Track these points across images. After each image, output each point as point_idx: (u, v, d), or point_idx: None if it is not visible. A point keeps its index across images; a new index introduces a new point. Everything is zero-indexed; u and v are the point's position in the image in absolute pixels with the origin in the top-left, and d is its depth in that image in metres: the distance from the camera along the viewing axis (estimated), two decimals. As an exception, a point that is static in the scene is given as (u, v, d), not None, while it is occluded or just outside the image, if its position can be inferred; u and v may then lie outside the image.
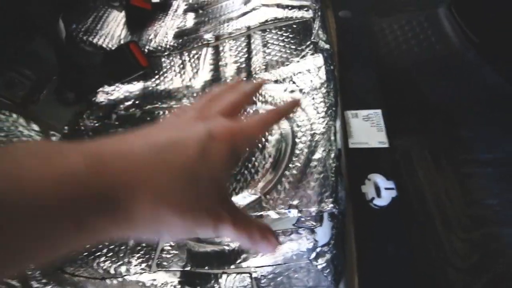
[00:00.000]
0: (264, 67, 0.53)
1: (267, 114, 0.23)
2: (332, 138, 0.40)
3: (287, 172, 0.38)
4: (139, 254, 0.41)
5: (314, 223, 0.34)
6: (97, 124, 0.57)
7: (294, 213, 0.34)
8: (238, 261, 0.35)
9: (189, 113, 0.22)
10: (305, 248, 0.33)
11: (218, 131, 0.20)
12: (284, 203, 0.36)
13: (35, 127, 0.50)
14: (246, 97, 0.25)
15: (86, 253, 0.42)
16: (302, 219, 0.35)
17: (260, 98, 0.48)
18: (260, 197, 0.38)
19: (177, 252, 0.40)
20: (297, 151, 0.39)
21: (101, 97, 0.60)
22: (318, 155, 0.38)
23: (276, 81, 0.50)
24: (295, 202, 0.35)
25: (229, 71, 0.56)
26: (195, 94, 0.58)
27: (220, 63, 0.57)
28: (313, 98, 0.44)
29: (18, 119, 0.49)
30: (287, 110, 0.27)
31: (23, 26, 0.48)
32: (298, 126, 0.42)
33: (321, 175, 0.36)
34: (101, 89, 0.60)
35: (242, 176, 0.41)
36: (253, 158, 0.41)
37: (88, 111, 0.58)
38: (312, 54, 0.50)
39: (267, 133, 0.43)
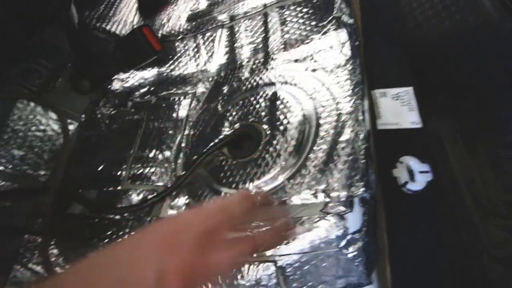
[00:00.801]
0: (282, 46, 0.50)
1: (244, 243, 0.23)
2: (360, 118, 0.37)
3: (311, 155, 0.36)
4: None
5: (343, 209, 0.31)
6: (113, 112, 0.57)
7: (321, 198, 0.32)
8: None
9: (157, 236, 0.21)
10: (334, 236, 0.31)
11: (172, 271, 0.19)
12: (310, 187, 0.34)
13: (53, 115, 0.50)
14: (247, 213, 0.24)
15: (107, 240, 0.42)
16: (330, 204, 0.32)
17: (280, 78, 0.46)
18: (283, 182, 0.35)
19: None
20: (322, 133, 0.37)
21: (116, 85, 0.59)
22: (345, 136, 0.35)
23: (296, 61, 0.47)
24: (321, 187, 0.33)
25: (245, 52, 0.53)
26: (210, 79, 0.56)
27: (235, 44, 0.54)
28: (337, 76, 0.41)
29: (35, 107, 0.49)
30: (270, 243, 0.25)
31: (34, 13, 0.48)
32: (322, 106, 0.39)
33: (349, 157, 0.33)
34: (116, 76, 0.59)
35: (263, 161, 0.39)
36: (274, 142, 0.39)
37: (104, 99, 0.57)
38: (335, 29, 0.46)
39: (288, 115, 0.41)
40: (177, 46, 0.58)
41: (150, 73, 0.59)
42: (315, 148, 0.36)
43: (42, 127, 0.48)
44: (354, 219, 0.31)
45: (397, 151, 0.41)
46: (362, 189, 0.31)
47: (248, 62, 0.53)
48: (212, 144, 0.44)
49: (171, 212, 0.42)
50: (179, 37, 0.58)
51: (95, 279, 0.19)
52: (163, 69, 0.59)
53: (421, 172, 0.39)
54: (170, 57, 0.58)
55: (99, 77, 0.53)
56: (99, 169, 0.50)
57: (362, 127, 0.36)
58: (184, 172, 0.45)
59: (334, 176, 0.33)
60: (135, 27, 0.60)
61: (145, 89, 0.59)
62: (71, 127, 0.51)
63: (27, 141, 0.46)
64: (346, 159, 0.34)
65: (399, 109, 0.44)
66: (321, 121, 0.38)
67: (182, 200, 0.43)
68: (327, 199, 0.32)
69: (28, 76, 0.48)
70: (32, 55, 0.48)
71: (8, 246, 0.41)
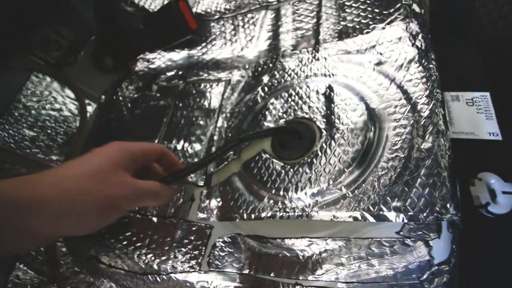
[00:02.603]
0: (336, 35, 0.44)
1: None
2: (441, 122, 0.31)
3: (382, 163, 0.30)
4: (186, 249, 0.35)
5: (429, 234, 0.26)
6: (136, 95, 0.51)
7: (393, 216, 0.26)
8: (318, 271, 0.28)
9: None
10: (415, 265, 0.25)
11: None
12: (382, 203, 0.28)
13: (70, 93, 0.44)
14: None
15: (125, 242, 0.37)
16: (410, 226, 0.26)
17: (334, 71, 0.40)
18: (346, 194, 0.30)
19: (232, 250, 0.34)
20: (395, 138, 0.31)
21: (141, 65, 0.53)
22: (426, 144, 0.29)
23: (355, 52, 0.40)
24: (398, 204, 0.27)
25: (291, 39, 0.47)
26: (247, 66, 0.50)
27: (280, 29, 0.48)
28: (409, 72, 0.35)
29: (52, 83, 0.43)
30: None
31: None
32: (394, 106, 0.33)
33: (433, 170, 0.27)
34: (141, 56, 0.53)
35: (317, 165, 0.33)
36: (333, 144, 0.33)
37: (127, 80, 0.51)
38: (403, 19, 0.40)
39: (350, 113, 0.34)
40: (212, 27, 0.52)
41: (179, 55, 0.53)
42: (386, 154, 0.30)
43: (57, 106, 0.42)
44: (442, 247, 0.25)
45: (474, 166, 0.35)
46: (452, 211, 0.25)
47: (293, 50, 0.46)
48: (257, 131, 0.37)
49: (201, 215, 0.37)
50: (216, 17, 0.52)
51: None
52: (193, 51, 0.53)
53: (505, 192, 0.33)
54: (204, 38, 0.52)
55: (124, 54, 0.48)
56: (119, 158, 0.44)
57: (446, 135, 0.30)
58: (220, 168, 0.39)
59: (413, 191, 0.27)
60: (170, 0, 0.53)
61: (172, 73, 0.53)
62: (89, 108, 0.45)
63: (40, 120, 0.41)
64: (428, 172, 0.28)
65: (474, 116, 0.38)
66: (393, 124, 0.32)
67: (213, 203, 0.37)
68: (405, 219, 0.26)
69: (46, 46, 0.43)
70: (52, 23, 0.42)
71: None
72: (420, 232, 0.26)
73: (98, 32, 0.44)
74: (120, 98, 0.49)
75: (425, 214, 0.26)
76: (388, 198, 0.28)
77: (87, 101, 0.45)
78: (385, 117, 0.33)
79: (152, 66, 0.53)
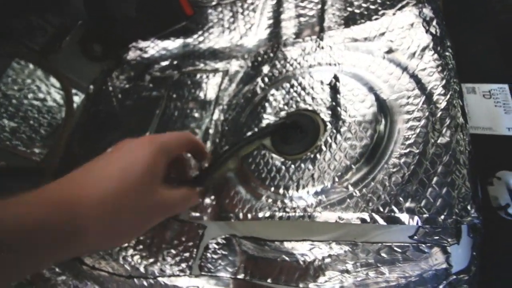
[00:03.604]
0: (342, 22, 0.40)
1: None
2: (459, 114, 0.28)
3: (394, 160, 0.27)
4: (176, 251, 0.32)
5: (446, 239, 0.23)
6: (127, 86, 0.48)
7: (414, 220, 0.23)
8: (321, 279, 0.25)
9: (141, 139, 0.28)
10: (431, 274, 0.22)
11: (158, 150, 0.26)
12: (393, 204, 0.25)
13: (55, 82, 0.41)
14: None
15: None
16: (425, 230, 0.24)
17: (341, 60, 0.37)
18: (353, 193, 0.27)
19: (226, 253, 0.31)
20: (408, 132, 0.28)
21: (133, 54, 0.50)
22: (444, 139, 0.26)
23: (362, 39, 0.37)
24: (412, 205, 0.24)
25: (293, 27, 0.44)
26: (246, 56, 0.46)
27: (282, 16, 0.45)
28: (423, 61, 0.32)
29: (35, 70, 0.40)
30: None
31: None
32: (407, 97, 0.30)
33: (451, 168, 0.25)
34: (133, 44, 0.50)
35: (321, 161, 0.30)
36: (339, 138, 0.30)
37: (118, 69, 0.48)
38: (415, 4, 0.37)
39: (357, 105, 0.31)
40: (209, 14, 0.49)
41: (174, 44, 0.50)
42: (399, 150, 0.27)
43: (41, 96, 0.39)
44: (462, 254, 0.22)
45: (492, 164, 0.32)
46: (474, 214, 0.22)
47: (296, 38, 0.43)
48: (253, 132, 0.35)
49: (195, 214, 0.34)
50: (213, 3, 0.49)
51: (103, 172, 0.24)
52: (189, 40, 0.50)
53: (526, 193, 0.30)
54: (200, 26, 0.49)
55: (115, 42, 0.45)
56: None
57: (465, 128, 0.27)
58: (211, 164, 0.36)
59: (428, 190, 0.25)
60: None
61: (166, 62, 0.50)
62: (76, 98, 0.42)
63: (21, 110, 0.38)
64: (446, 170, 0.25)
65: (492, 110, 0.35)
66: (405, 116, 0.29)
67: (206, 200, 0.34)
68: (420, 222, 0.24)
69: (30, 32, 0.40)
70: (36, 7, 0.39)
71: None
72: (437, 237, 0.23)
73: (86, 17, 0.41)
74: (110, 88, 0.46)
75: (443, 217, 0.23)
76: (401, 198, 0.25)
77: (74, 91, 0.42)
78: (397, 109, 0.30)
79: (145, 55, 0.50)
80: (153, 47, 0.50)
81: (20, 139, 0.37)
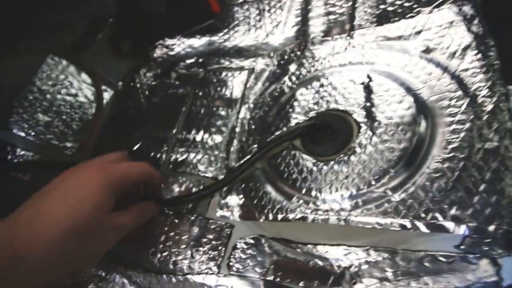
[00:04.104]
0: (374, 20, 0.39)
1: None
2: (507, 118, 0.26)
3: (436, 164, 0.26)
4: (205, 249, 0.32)
5: (496, 250, 0.22)
6: (154, 83, 0.48)
7: (461, 229, 0.22)
8: (358, 286, 0.24)
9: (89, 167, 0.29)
10: (479, 286, 0.21)
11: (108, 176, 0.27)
12: (437, 211, 0.24)
13: (86, 78, 0.42)
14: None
15: (139, 238, 0.34)
16: (473, 240, 0.22)
17: (374, 59, 0.35)
18: (391, 198, 0.26)
19: (254, 253, 0.31)
20: (451, 136, 0.26)
21: (160, 52, 0.50)
22: (491, 144, 0.25)
23: (397, 38, 0.36)
24: (457, 212, 0.23)
25: (321, 25, 0.43)
26: (272, 54, 0.46)
27: (310, 14, 0.44)
28: (465, 61, 0.30)
29: (68, 66, 0.41)
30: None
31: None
32: (449, 98, 0.28)
33: (501, 174, 0.23)
34: (160, 41, 0.50)
35: (356, 164, 0.29)
36: (375, 139, 0.29)
37: (145, 66, 0.49)
38: (454, 2, 0.36)
39: (394, 105, 0.30)
40: (235, 12, 0.48)
41: (199, 42, 0.50)
42: (441, 154, 0.26)
43: (73, 91, 0.40)
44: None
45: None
46: (528, 224, 0.21)
47: (324, 37, 0.42)
48: (282, 132, 0.35)
49: (221, 212, 0.34)
50: (240, 1, 0.48)
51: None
52: (215, 38, 0.50)
53: None
54: (226, 24, 0.48)
55: (143, 39, 0.45)
56: (135, 148, 0.41)
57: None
58: (240, 163, 0.36)
59: (475, 198, 0.23)
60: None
61: (192, 60, 0.50)
62: (105, 95, 0.43)
63: (54, 105, 0.39)
64: (494, 177, 0.23)
65: (539, 114, 0.33)
66: (448, 119, 0.27)
67: (235, 199, 0.34)
68: (467, 231, 0.22)
69: (62, 28, 0.41)
70: (69, 4, 0.40)
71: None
72: (486, 248, 0.21)
73: (116, 15, 0.42)
74: (138, 85, 0.47)
75: (493, 227, 0.22)
76: (445, 205, 0.24)
77: (103, 87, 0.43)
78: (438, 111, 0.28)
79: (171, 52, 0.50)
80: (179, 45, 0.50)
81: (54, 133, 0.38)
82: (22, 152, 0.37)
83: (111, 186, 0.26)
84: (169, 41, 0.51)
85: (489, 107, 0.27)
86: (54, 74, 0.39)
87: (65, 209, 0.24)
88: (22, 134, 0.37)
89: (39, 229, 0.24)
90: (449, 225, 0.23)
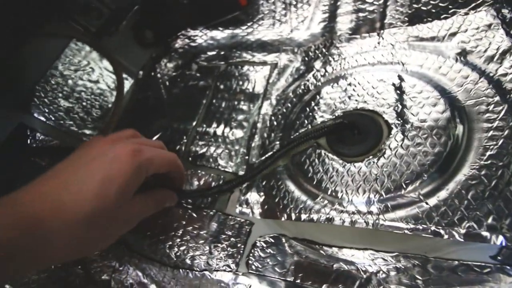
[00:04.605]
0: (406, 19, 0.38)
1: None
2: (550, 127, 0.25)
3: (472, 171, 0.25)
4: (223, 245, 0.32)
5: (537, 263, 0.21)
6: (174, 74, 0.48)
7: (498, 240, 0.21)
8: (385, 292, 0.23)
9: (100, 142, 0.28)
10: (516, 300, 0.21)
11: (122, 151, 0.26)
12: (473, 220, 0.23)
13: (108, 66, 0.42)
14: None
15: (157, 231, 0.34)
16: (511, 251, 0.22)
17: (405, 59, 0.34)
18: (424, 204, 0.25)
19: (274, 252, 0.30)
20: (489, 142, 0.26)
21: (181, 42, 0.50)
22: (534, 151, 0.24)
23: (430, 39, 0.35)
24: (494, 222, 0.22)
25: (349, 22, 0.42)
26: (296, 49, 0.45)
27: (338, 11, 0.43)
28: (503, 65, 0.29)
29: (90, 53, 0.40)
30: None
31: None
32: (486, 104, 0.27)
33: (544, 184, 0.22)
34: (182, 32, 0.50)
35: (385, 166, 0.28)
36: (406, 142, 0.28)
37: (167, 56, 0.48)
38: (492, 4, 0.34)
39: (427, 108, 0.29)
40: (261, 5, 0.47)
41: (222, 34, 0.49)
42: (478, 161, 0.25)
43: (94, 78, 0.40)
44: (554, 282, 0.20)
45: None
46: None
47: (352, 34, 0.41)
48: (306, 130, 0.34)
49: (241, 209, 0.33)
50: (266, -6, 0.48)
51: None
52: (238, 31, 0.49)
53: None
54: (250, 17, 0.47)
55: (166, 29, 0.44)
56: (154, 139, 0.41)
57: (558, 142, 0.24)
58: (263, 159, 0.35)
59: (514, 208, 0.22)
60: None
61: (213, 52, 0.49)
62: (126, 83, 0.43)
63: (76, 91, 0.38)
64: (537, 187, 0.23)
65: None
66: (485, 125, 0.26)
67: (255, 196, 0.33)
68: (505, 242, 0.21)
69: (87, 13, 0.40)
70: (94, -11, 0.40)
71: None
72: (526, 260, 0.21)
73: (141, 2, 0.41)
74: (158, 75, 0.46)
75: (534, 239, 0.21)
76: (481, 214, 0.23)
77: (124, 76, 0.42)
78: (475, 116, 0.27)
79: (193, 44, 0.49)
80: (201, 36, 0.50)
81: (73, 119, 0.38)
82: (42, 137, 0.37)
83: (140, 169, 0.25)
84: (191, 32, 0.50)
85: (531, 114, 0.26)
86: (76, 59, 0.39)
87: (93, 186, 0.23)
88: (43, 118, 0.37)
89: (66, 201, 0.23)
90: (486, 234, 0.22)
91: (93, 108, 0.39)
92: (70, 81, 0.38)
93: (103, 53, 0.40)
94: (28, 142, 0.37)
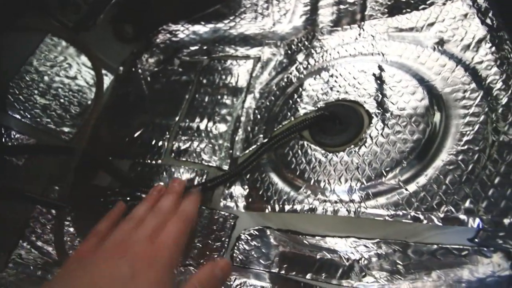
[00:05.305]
0: (386, 11, 0.38)
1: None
2: (523, 112, 0.26)
3: (450, 156, 0.25)
4: (207, 239, 0.31)
5: (511, 243, 0.21)
6: (156, 69, 0.47)
7: (475, 222, 0.22)
8: (368, 279, 0.23)
9: (110, 240, 0.24)
10: (492, 281, 0.21)
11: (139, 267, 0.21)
12: (451, 204, 0.23)
13: (86, 61, 0.40)
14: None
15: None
16: (487, 233, 0.22)
17: (385, 50, 0.35)
18: (404, 190, 0.25)
19: (259, 244, 0.30)
20: (465, 128, 0.26)
21: (163, 37, 0.49)
22: (506, 137, 0.24)
23: (409, 29, 0.35)
24: (471, 205, 0.23)
25: (330, 15, 0.42)
26: (279, 43, 0.45)
27: (320, 3, 0.43)
28: (479, 53, 0.30)
29: (67, 48, 0.39)
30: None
31: None
32: (463, 91, 0.28)
33: (517, 167, 0.23)
34: (164, 26, 0.49)
35: (366, 155, 0.28)
36: (386, 131, 0.28)
37: (148, 51, 0.47)
38: (468, -6, 0.35)
39: (406, 97, 0.30)
40: (243, -1, 0.47)
41: (204, 29, 0.48)
42: (455, 147, 0.25)
43: (72, 74, 0.39)
44: (528, 262, 0.21)
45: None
46: (544, 219, 0.21)
47: (334, 26, 0.41)
48: (289, 122, 0.34)
49: (225, 203, 0.33)
50: (248, -13, 0.47)
51: None
52: (220, 25, 0.48)
53: None
54: (232, 11, 0.47)
55: (146, 23, 0.43)
56: (136, 135, 0.40)
57: (531, 126, 0.25)
58: (246, 153, 0.35)
59: (490, 191, 0.23)
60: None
61: (196, 47, 0.48)
62: (106, 79, 0.41)
63: (52, 87, 0.37)
64: (510, 170, 0.23)
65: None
66: (462, 111, 0.27)
67: (239, 190, 0.33)
68: (482, 224, 0.22)
69: (63, 8, 0.39)
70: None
71: (14, 215, 0.32)
72: (501, 241, 0.21)
73: (119, -4, 0.40)
74: (139, 71, 0.45)
75: (508, 220, 0.21)
76: (459, 198, 0.23)
77: (103, 71, 0.41)
78: (452, 103, 0.28)
79: (174, 38, 0.49)
80: (183, 31, 0.49)
81: (51, 117, 0.36)
82: (17, 135, 0.36)
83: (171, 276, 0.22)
84: (172, 27, 0.49)
85: (504, 100, 0.26)
86: (52, 55, 0.37)
87: None
88: (18, 116, 0.35)
89: None
90: (463, 217, 0.22)
91: (71, 105, 0.38)
92: (46, 78, 0.36)
93: (80, 48, 0.38)
94: (3, 140, 0.36)
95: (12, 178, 0.36)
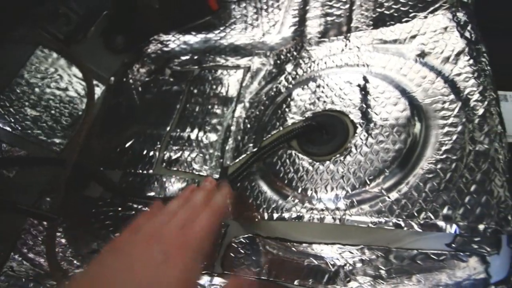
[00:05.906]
0: (371, 23, 0.40)
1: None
2: (497, 122, 0.27)
3: (429, 165, 0.26)
4: (198, 249, 0.32)
5: (486, 248, 0.22)
6: (147, 79, 0.47)
7: (452, 228, 0.23)
8: (352, 284, 0.24)
9: (144, 231, 0.24)
10: (468, 284, 0.22)
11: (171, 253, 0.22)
12: (430, 210, 0.24)
13: (77, 72, 0.41)
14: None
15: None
16: (464, 239, 0.23)
17: (370, 61, 0.36)
18: (386, 198, 0.26)
19: (249, 252, 0.30)
20: (444, 138, 0.27)
21: (154, 47, 0.50)
22: (482, 146, 0.26)
23: (392, 41, 0.37)
24: (449, 212, 0.24)
25: (318, 26, 0.43)
26: (268, 53, 0.46)
27: (308, 15, 0.44)
28: (458, 66, 0.31)
29: (58, 59, 0.39)
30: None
31: None
32: (442, 102, 0.29)
33: (491, 176, 0.24)
34: (155, 37, 0.49)
35: (352, 164, 0.29)
36: (370, 140, 0.30)
37: (139, 62, 0.48)
38: (448, 8, 0.37)
39: (389, 107, 0.31)
40: (233, 10, 0.48)
41: (195, 39, 0.49)
42: (434, 156, 0.27)
43: (63, 85, 0.39)
44: (501, 265, 0.22)
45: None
46: (516, 224, 0.22)
47: (321, 38, 0.43)
48: (278, 132, 0.35)
49: (216, 212, 0.33)
50: (237, -1, 0.48)
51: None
52: (211, 35, 0.49)
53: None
54: (223, 22, 0.48)
55: (137, 34, 0.44)
56: (127, 145, 0.41)
57: (504, 137, 0.26)
58: (236, 162, 0.36)
59: (467, 198, 0.24)
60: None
61: (187, 57, 0.49)
62: (97, 90, 0.42)
63: (43, 99, 0.37)
64: (484, 178, 0.24)
65: (525, 118, 0.35)
66: (441, 122, 0.28)
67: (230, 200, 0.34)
68: (458, 230, 0.23)
69: (54, 20, 0.39)
70: (61, -5, 0.39)
71: (5, 228, 0.32)
72: (476, 246, 0.22)
73: (110, 7, 0.41)
74: (131, 81, 0.46)
75: (482, 226, 0.22)
76: (437, 205, 0.24)
77: (95, 82, 0.42)
78: (431, 114, 0.29)
79: (165, 48, 0.49)
80: (174, 41, 0.50)
81: (42, 129, 0.36)
82: (8, 147, 0.36)
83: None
84: (163, 37, 0.50)
85: (481, 111, 0.28)
86: (43, 66, 0.37)
87: None
88: (8, 128, 0.35)
89: None
90: (441, 224, 0.23)
91: (62, 116, 0.38)
92: (37, 89, 0.37)
93: (71, 60, 0.39)
94: (-7, 153, 0.36)
95: (3, 190, 0.36)
